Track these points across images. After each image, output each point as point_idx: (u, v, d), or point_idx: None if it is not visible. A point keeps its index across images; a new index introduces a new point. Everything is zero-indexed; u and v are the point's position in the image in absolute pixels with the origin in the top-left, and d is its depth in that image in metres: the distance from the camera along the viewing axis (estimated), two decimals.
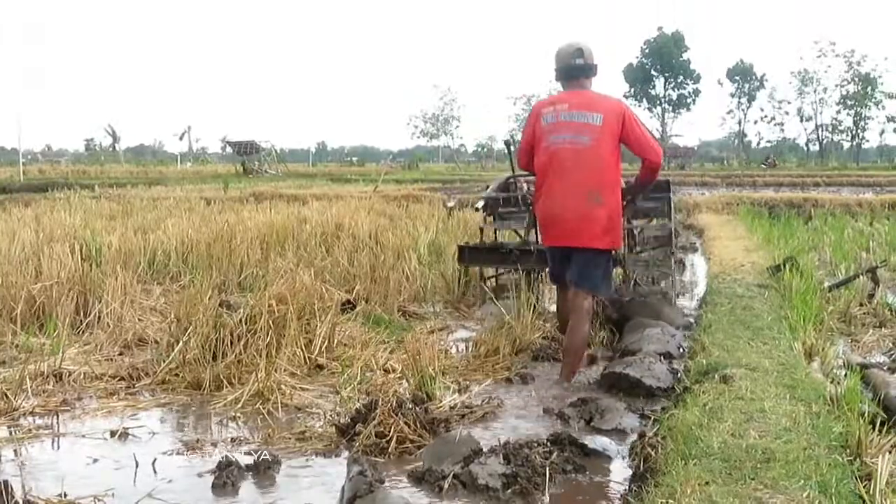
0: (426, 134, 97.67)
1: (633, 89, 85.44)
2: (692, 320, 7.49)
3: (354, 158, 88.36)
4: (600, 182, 5.94)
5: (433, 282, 8.92)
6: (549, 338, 6.97)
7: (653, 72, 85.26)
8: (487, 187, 8.91)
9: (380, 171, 43.66)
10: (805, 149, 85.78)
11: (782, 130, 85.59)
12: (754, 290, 7.93)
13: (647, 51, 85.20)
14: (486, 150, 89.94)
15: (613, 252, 6.34)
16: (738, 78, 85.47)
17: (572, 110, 6.02)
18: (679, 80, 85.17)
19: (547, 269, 6.87)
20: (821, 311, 7.29)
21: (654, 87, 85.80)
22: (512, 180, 8.68)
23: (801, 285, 7.72)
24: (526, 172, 6.90)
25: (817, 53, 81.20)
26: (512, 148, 7.83)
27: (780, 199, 21.06)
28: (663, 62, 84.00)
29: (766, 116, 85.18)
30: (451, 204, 16.20)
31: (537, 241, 7.32)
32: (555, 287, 6.78)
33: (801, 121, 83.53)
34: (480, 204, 8.71)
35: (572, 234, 6.03)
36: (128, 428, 4.92)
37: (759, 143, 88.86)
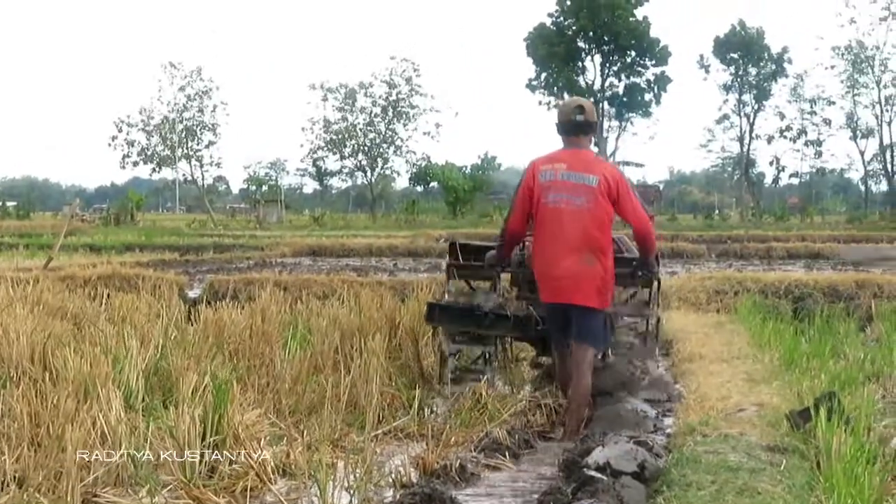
0: (150, 158, 60.74)
1: (542, 75, 53.90)
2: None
3: (10, 203, 59.39)
4: (593, 243, 7.09)
5: (154, 445, 6.19)
6: None
7: (580, 42, 54.27)
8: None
9: (58, 227, 27.87)
10: (862, 188, 58.47)
11: (819, 154, 56.63)
12: (762, 456, 5.95)
13: (568, 4, 53.05)
14: (265, 187, 64.01)
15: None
16: (735, 56, 54.95)
17: (570, 171, 7.16)
18: (630, 60, 54.15)
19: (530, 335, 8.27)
20: (885, 494, 5.26)
21: (582, 70, 55.10)
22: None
23: (849, 446, 5.71)
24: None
25: (882, 12, 52.01)
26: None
27: (816, 283, 14.87)
28: (599, 24, 52.63)
29: (788, 128, 54.99)
30: (194, 293, 13.92)
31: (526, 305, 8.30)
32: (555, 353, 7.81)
33: (855, 137, 55.74)
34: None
35: (567, 291, 7.13)
36: None
37: (777, 179, 58.86)
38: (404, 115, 69.42)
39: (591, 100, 65.71)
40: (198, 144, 60.57)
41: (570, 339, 7.29)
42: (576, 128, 7.36)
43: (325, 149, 69.51)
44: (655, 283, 8.60)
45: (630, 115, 56.24)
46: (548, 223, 7.18)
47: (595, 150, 7.50)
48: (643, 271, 7.82)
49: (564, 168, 7.18)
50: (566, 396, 7.29)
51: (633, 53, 54.60)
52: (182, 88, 60.32)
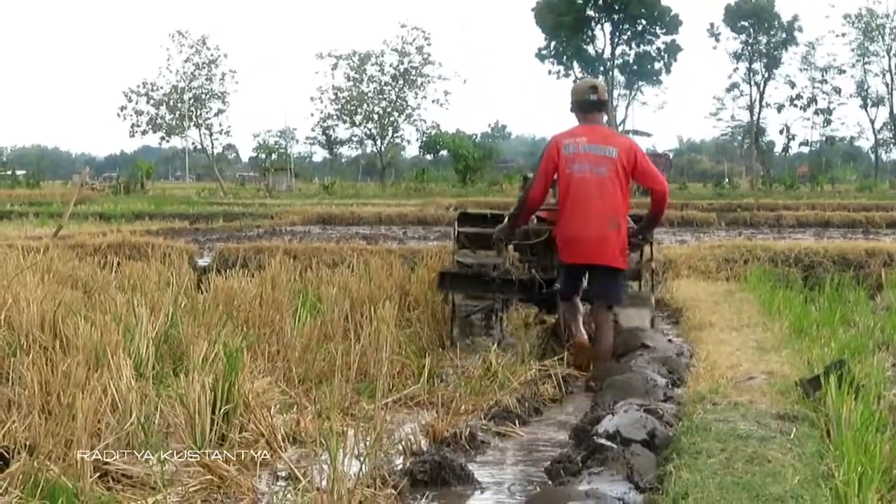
0: (158, 127, 59.51)
1: (552, 44, 53.82)
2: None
3: (20, 172, 58.81)
4: (616, 209, 7.85)
5: (165, 413, 6.07)
6: None
7: (590, 11, 53.63)
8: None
9: (68, 196, 26.87)
10: (872, 157, 57.16)
11: (829, 122, 55.42)
12: (771, 425, 5.78)
13: None
14: (274, 155, 61.85)
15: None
16: (746, 24, 54.06)
17: (590, 143, 7.85)
18: (640, 29, 53.56)
19: (554, 289, 8.56)
20: (895, 462, 5.07)
21: (592, 39, 54.77)
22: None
23: (860, 414, 5.55)
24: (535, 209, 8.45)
25: None
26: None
27: (826, 251, 14.48)
28: None
29: (798, 97, 54.27)
30: (204, 261, 13.77)
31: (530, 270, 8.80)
32: (559, 306, 8.58)
33: (865, 106, 54.52)
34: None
35: (595, 254, 7.85)
36: None
37: (787, 147, 58.15)
38: (415, 84, 68.21)
39: (601, 68, 65.32)
40: (207, 113, 59.47)
41: (590, 298, 8.18)
42: (590, 106, 8.09)
43: (335, 117, 68.58)
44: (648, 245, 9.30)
45: (640, 83, 55.84)
46: (575, 191, 7.87)
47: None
48: (643, 235, 8.46)
49: (585, 141, 7.88)
50: (571, 351, 8.06)
51: (644, 22, 53.98)
52: (188, 59, 59.56)
